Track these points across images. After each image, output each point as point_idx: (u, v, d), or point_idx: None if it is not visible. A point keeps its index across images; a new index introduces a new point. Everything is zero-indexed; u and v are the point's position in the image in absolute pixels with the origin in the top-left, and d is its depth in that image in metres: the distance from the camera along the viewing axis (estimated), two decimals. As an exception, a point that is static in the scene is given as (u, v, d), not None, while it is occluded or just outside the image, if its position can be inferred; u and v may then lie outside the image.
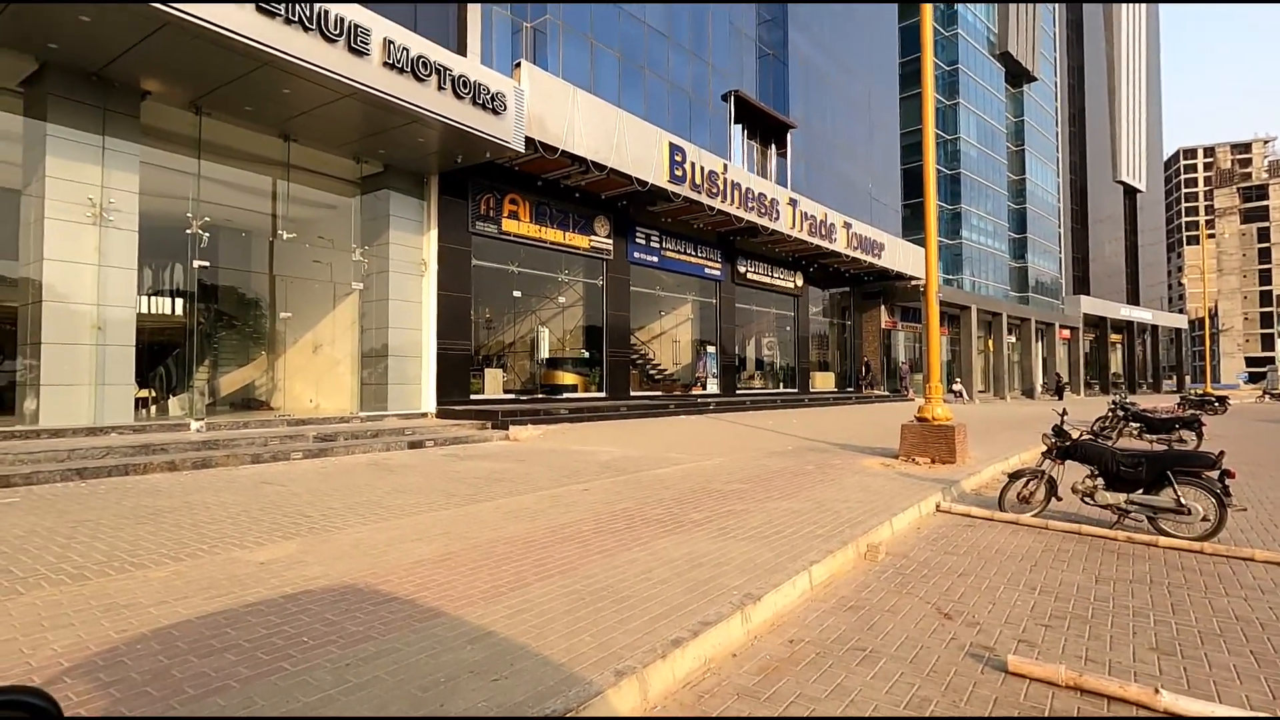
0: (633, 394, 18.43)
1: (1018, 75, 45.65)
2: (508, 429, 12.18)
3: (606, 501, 6.38)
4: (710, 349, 21.67)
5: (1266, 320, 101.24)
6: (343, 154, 12.70)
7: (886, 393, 29.55)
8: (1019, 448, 11.21)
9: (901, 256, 26.79)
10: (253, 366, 15.31)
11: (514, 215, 15.04)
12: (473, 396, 14.55)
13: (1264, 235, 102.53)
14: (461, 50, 13.29)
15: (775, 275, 23.84)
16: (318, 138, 11.98)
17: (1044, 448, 6.65)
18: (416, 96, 10.64)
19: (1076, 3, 56.24)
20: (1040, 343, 44.80)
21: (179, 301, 13.57)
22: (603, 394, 17.45)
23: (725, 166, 17.89)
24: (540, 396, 16.59)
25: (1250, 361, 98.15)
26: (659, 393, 20.16)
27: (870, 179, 29.78)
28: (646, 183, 15.45)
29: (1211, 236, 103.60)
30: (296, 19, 9.10)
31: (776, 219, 19.76)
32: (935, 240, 10.17)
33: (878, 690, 2.92)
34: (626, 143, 14.86)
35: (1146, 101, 65.76)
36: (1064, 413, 7.42)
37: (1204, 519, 5.50)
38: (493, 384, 15.63)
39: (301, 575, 4.02)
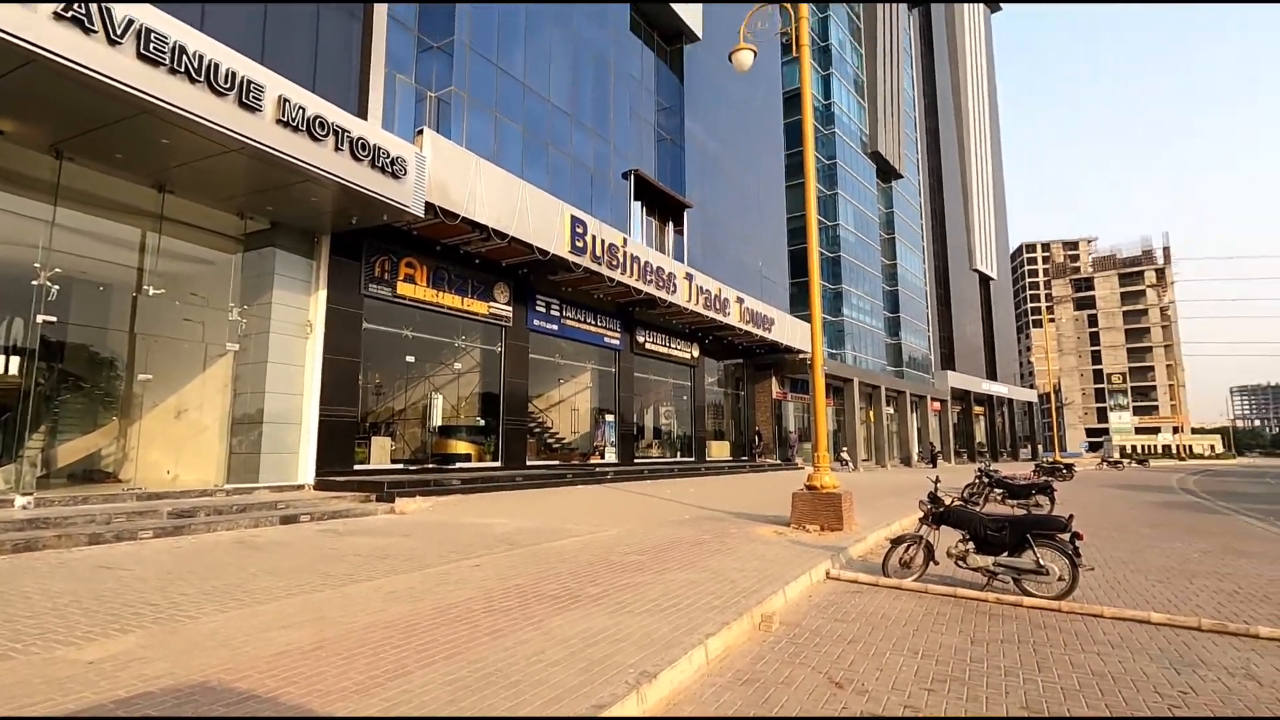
0: (529, 463, 18.01)
1: (887, 172, 50.74)
2: (394, 501, 11.49)
3: (499, 577, 6.09)
4: (609, 418, 21.70)
5: (1100, 396, 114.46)
6: (226, 208, 12.04)
7: (778, 461, 30.54)
8: (900, 514, 11.81)
9: (790, 331, 28.37)
10: (100, 434, 13.69)
11: (410, 279, 14.71)
12: (357, 467, 13.69)
13: (1094, 321, 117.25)
14: (362, 114, 13.17)
15: (673, 346, 24.49)
16: (199, 190, 11.33)
17: (921, 514, 7.05)
18: (311, 155, 10.36)
19: (930, 12, 63.78)
20: (915, 414, 48.20)
21: (15, 360, 12.06)
22: (498, 464, 16.94)
23: (625, 240, 18.48)
24: (431, 467, 15.86)
25: (1089, 433, 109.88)
26: (557, 462, 19.82)
27: (761, 258, 31.65)
28: (548, 252, 15.64)
29: (1052, 321, 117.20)
30: (183, 69, 8.72)
31: (674, 292, 20.48)
32: (820, 317, 10.85)
33: (773, 767, 2.87)
34: (529, 212, 15.07)
35: (994, 200, 74.70)
36: (937, 480, 7.92)
37: (1060, 579, 5.97)
38: (380, 453, 14.81)
39: (140, 675, 3.52)
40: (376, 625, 4.50)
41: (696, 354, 25.97)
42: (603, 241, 17.44)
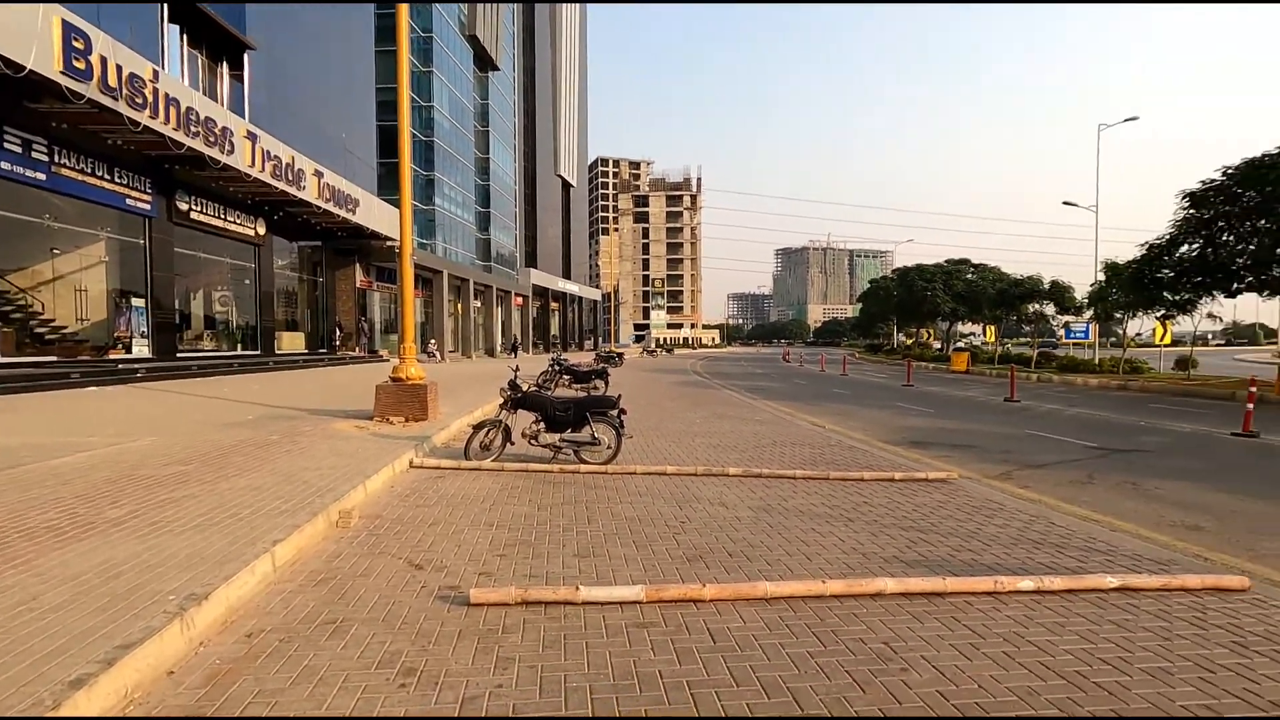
0: (2, 360, 13.34)
1: (484, 61, 49.90)
2: None
3: (-48, 515, 4.46)
4: (137, 302, 17.28)
5: (647, 297, 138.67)
6: None
7: (363, 354, 29.05)
8: (483, 401, 12.52)
9: (377, 215, 26.43)
10: None
11: None
12: None
13: (647, 234, 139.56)
14: None
15: (230, 219, 20.46)
16: None
17: (501, 400, 7.59)
18: None
19: None
20: (500, 308, 50.97)
21: None
22: (-54, 361, 12.08)
23: (156, 74, 14.27)
24: None
25: (636, 327, 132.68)
26: (54, 357, 15.12)
27: (345, 130, 28.28)
28: (22, 66, 11.11)
29: (617, 230, 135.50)
30: None
31: (231, 152, 16.88)
32: (410, 202, 10.33)
33: (349, 659, 2.84)
34: (-17, 0, 10.34)
35: (578, 111, 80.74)
36: (516, 369, 8.58)
37: (608, 447, 7.18)
38: None
39: None
40: None
41: (263, 231, 22.25)
42: (118, 68, 13.13)
